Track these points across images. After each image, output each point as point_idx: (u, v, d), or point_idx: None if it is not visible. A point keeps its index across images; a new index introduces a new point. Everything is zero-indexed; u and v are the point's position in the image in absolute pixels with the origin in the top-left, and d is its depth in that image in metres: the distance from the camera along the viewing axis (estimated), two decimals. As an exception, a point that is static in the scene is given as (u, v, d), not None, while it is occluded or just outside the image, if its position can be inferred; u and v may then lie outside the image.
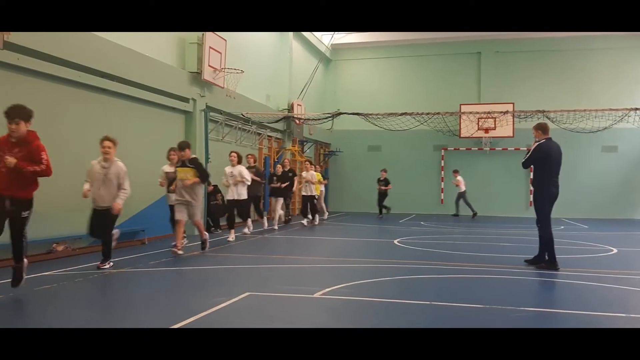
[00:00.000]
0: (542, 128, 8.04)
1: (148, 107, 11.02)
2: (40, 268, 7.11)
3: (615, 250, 10.21)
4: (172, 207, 9.44)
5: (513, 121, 19.75)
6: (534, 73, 21.58)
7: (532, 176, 8.23)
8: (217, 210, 12.84)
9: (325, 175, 22.90)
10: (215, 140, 13.67)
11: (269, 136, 17.56)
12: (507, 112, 17.06)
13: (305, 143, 20.40)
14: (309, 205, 15.25)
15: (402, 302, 5.58)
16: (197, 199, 8.89)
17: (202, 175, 8.92)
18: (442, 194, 22.08)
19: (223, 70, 13.15)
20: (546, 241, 7.83)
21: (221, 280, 7.06)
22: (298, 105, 18.70)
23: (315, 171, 15.87)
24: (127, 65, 9.96)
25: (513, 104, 19.67)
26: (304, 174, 15.34)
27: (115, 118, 9.86)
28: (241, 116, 14.81)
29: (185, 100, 12.25)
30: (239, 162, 11.22)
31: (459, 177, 19.49)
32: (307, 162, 15.81)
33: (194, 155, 9.11)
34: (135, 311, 5.19)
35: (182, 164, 8.92)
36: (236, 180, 11.04)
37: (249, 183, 11.27)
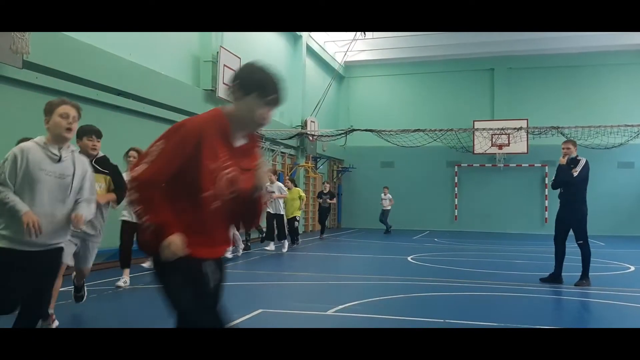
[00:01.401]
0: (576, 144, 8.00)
1: (163, 125, 11.13)
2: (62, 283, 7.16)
3: (632, 268, 10.05)
4: None
5: (527, 137, 19.65)
6: (548, 89, 21.50)
7: (562, 193, 7.88)
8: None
9: (339, 192, 23.03)
10: (229, 157, 13.73)
11: (282, 152, 17.64)
12: (520, 128, 17.02)
13: (318, 159, 20.46)
14: (276, 225, 11.96)
15: (416, 320, 5.53)
16: (102, 230, 5.19)
17: (121, 188, 5.18)
18: (456, 211, 21.96)
19: (237, 87, 13.26)
20: (587, 257, 7.70)
21: (233, 296, 7.05)
22: (311, 121, 18.81)
23: (287, 185, 12.84)
24: (142, 83, 10.11)
25: (527, 120, 19.61)
26: (267, 186, 11.52)
27: (130, 135, 9.97)
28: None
29: (200, 117, 12.35)
30: None
31: (389, 195, 19.05)
32: (270, 173, 12.14)
33: (102, 153, 5.19)
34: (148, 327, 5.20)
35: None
36: None
37: None
